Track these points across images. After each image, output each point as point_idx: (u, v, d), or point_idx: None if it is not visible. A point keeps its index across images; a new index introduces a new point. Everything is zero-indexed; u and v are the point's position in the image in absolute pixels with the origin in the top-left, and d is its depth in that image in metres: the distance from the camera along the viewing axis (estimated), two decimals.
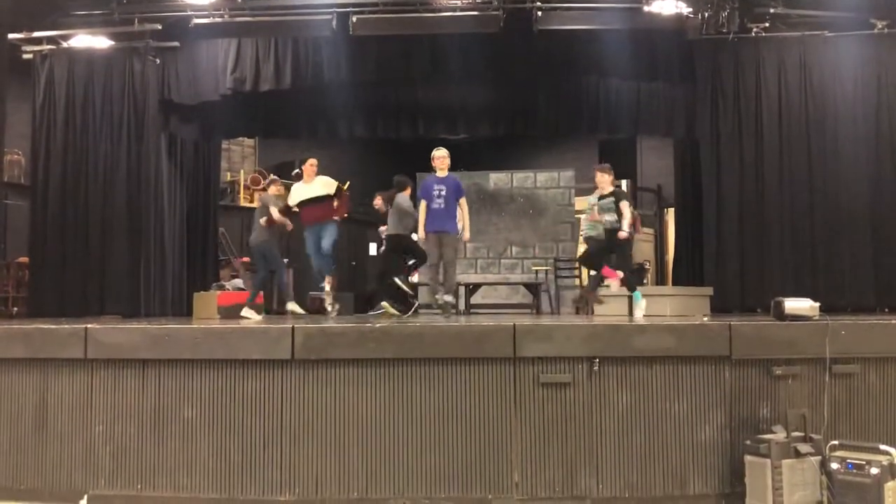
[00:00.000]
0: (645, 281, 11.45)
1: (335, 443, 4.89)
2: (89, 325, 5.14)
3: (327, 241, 7.80)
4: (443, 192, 7.14)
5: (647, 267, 11.62)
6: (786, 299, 5.34)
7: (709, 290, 8.85)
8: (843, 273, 9.00)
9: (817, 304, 5.35)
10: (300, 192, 7.88)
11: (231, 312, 8.14)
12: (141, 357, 5.02)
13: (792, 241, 9.12)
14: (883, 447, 4.62)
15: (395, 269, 8.06)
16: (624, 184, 13.17)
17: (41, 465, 5.10)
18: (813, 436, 4.79)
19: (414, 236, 7.93)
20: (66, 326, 5.21)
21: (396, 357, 4.95)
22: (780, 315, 5.29)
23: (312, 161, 8.00)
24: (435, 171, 7.33)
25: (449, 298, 7.37)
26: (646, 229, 12.66)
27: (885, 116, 9.16)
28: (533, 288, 10.29)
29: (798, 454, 4.70)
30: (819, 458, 4.72)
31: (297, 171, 8.30)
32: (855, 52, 9.25)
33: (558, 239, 11.08)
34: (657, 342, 5.00)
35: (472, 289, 10.26)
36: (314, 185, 7.86)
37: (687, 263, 10.68)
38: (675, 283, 10.91)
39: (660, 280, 12.31)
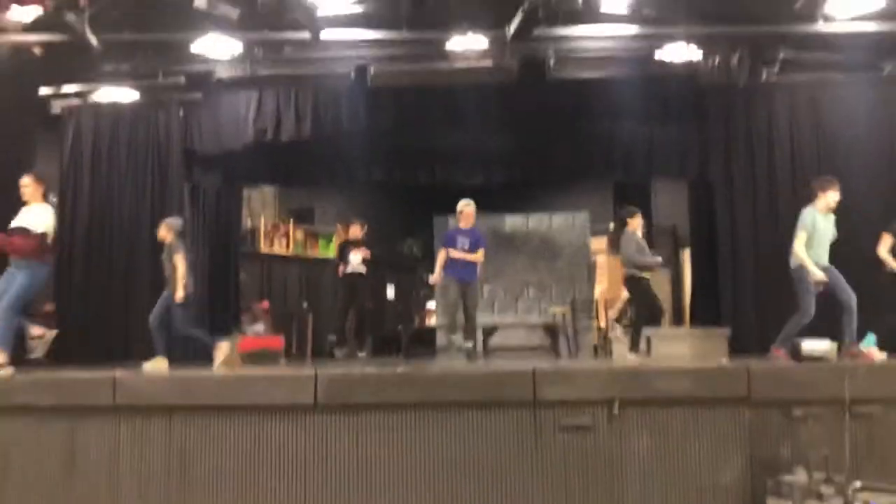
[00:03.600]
0: (662, 322, 11.43)
1: (358, 488, 4.95)
2: (117, 374, 5.26)
3: (12, 290, 6.28)
4: (466, 246, 7.38)
5: (664, 307, 11.62)
6: (802, 340, 5.38)
7: (726, 331, 8.84)
8: (862, 313, 8.95)
9: (835, 345, 5.38)
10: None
11: (253, 359, 8.25)
12: (167, 403, 5.13)
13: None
14: None
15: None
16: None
17: None
18: (835, 477, 4.79)
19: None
20: (95, 374, 5.34)
21: (418, 402, 5.03)
22: (798, 356, 5.33)
23: (24, 181, 6.69)
24: (458, 223, 7.53)
25: (470, 345, 7.50)
26: (662, 269, 12.70)
27: None
28: (550, 330, 10.34)
29: (820, 496, 4.70)
30: (842, 499, 4.71)
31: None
32: (865, 94, 9.34)
33: (575, 281, 11.15)
34: (676, 385, 5.06)
35: (490, 331, 10.32)
36: (31, 211, 6.60)
37: (703, 304, 10.67)
38: (692, 324, 10.89)
39: (677, 321, 12.30)
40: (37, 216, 6.54)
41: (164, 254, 7.82)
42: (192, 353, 9.88)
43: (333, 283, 9.62)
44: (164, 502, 5.03)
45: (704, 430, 5.01)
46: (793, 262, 6.73)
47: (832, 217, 6.90)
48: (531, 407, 5.00)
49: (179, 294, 7.52)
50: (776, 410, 5.06)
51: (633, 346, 7.74)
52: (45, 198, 6.72)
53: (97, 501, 5.12)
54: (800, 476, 4.79)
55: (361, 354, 9.56)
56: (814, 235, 6.67)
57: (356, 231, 8.84)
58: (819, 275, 6.56)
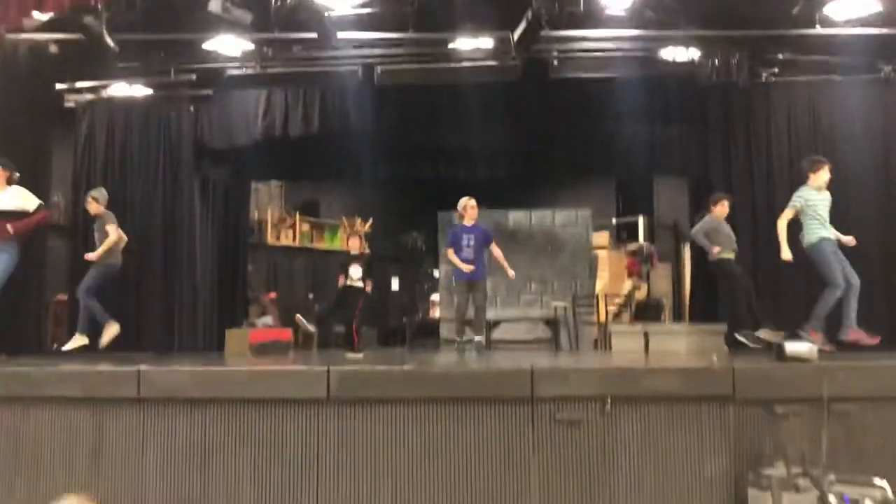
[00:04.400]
0: (662, 317, 11.88)
1: (368, 476, 5.40)
2: (142, 367, 5.71)
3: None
4: (471, 242, 7.73)
5: (664, 303, 12.07)
6: (786, 342, 5.80)
7: (723, 327, 9.25)
8: (857, 309, 9.31)
9: (816, 347, 5.81)
10: None
11: (262, 350, 8.71)
12: (189, 396, 5.58)
13: (805, 277, 9.47)
14: (877, 481, 5.05)
15: None
16: (640, 220, 13.71)
17: (95, 496, 5.62)
18: (812, 471, 5.22)
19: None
20: (120, 368, 5.79)
21: (423, 397, 5.47)
22: (781, 357, 5.75)
23: None
24: (463, 220, 7.87)
25: (478, 338, 7.89)
26: (663, 264, 13.14)
27: (894, 156, 9.57)
28: (552, 324, 10.78)
29: (797, 488, 5.13)
30: (818, 491, 5.14)
31: None
32: (863, 95, 9.69)
33: (576, 275, 11.60)
34: (665, 384, 5.49)
35: (493, 324, 10.76)
36: (8, 194, 7.19)
37: (703, 299, 11.07)
38: (691, 319, 11.30)
39: (677, 316, 12.72)
40: (27, 200, 7.17)
41: (95, 225, 8.11)
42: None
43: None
44: (186, 486, 5.47)
45: (691, 426, 5.44)
46: (805, 244, 7.16)
47: (828, 194, 7.24)
48: (529, 402, 5.43)
49: (95, 255, 7.91)
50: (759, 408, 5.48)
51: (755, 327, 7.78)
52: (10, 183, 7.23)
53: (123, 485, 5.55)
54: (779, 469, 5.21)
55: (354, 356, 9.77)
56: (810, 213, 7.11)
57: (355, 245, 9.16)
58: (786, 254, 7.11)
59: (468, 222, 8.03)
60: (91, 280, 7.91)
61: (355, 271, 8.94)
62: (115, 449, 5.64)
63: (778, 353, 5.83)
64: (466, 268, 7.72)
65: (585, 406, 5.46)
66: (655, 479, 5.43)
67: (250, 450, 5.49)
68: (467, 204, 8.10)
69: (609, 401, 5.44)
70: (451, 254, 7.90)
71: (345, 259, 9.22)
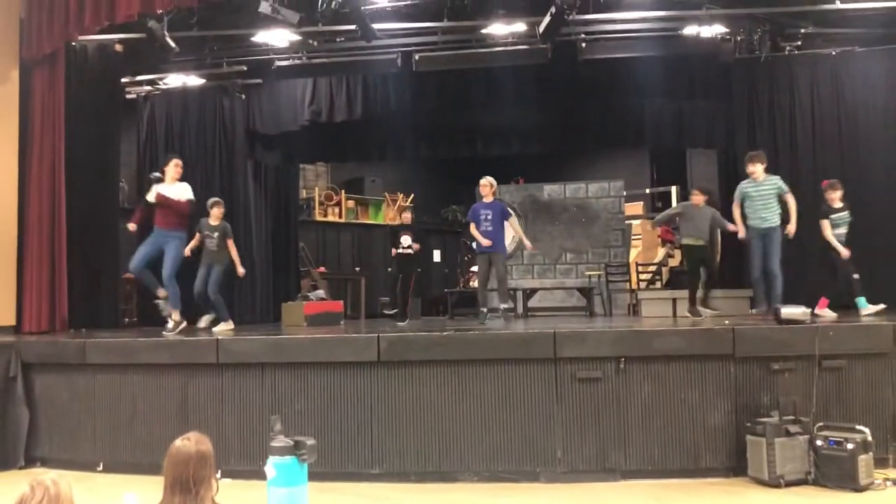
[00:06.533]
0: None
1: (414, 427, 6.47)
2: (220, 337, 6.86)
3: (170, 262, 8.12)
4: (489, 216, 8.68)
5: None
6: (782, 306, 6.68)
7: (748, 292, 10.06)
8: (878, 276, 10.00)
9: (809, 310, 6.67)
10: (162, 190, 8.17)
11: (317, 321, 9.85)
12: (260, 361, 6.71)
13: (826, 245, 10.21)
14: (859, 427, 5.93)
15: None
16: (674, 189, 14.45)
17: None
18: (802, 419, 6.13)
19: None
20: (201, 338, 6.94)
21: (461, 359, 6.50)
22: (778, 319, 6.64)
23: (178, 161, 8.27)
24: (482, 198, 8.84)
25: (505, 305, 8.86)
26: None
27: None
28: (586, 292, 11.71)
29: (789, 434, 6.03)
30: (807, 436, 6.05)
31: (156, 174, 8.37)
32: (884, 65, 10.34)
33: (609, 245, 12.50)
34: (672, 344, 6.43)
35: (530, 293, 11.75)
36: (177, 188, 8.19)
37: (732, 266, 11.87)
38: (724, 286, 12.04)
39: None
40: (186, 191, 8.25)
41: (217, 233, 8.93)
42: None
43: (384, 250, 10.83)
44: (259, 435, 6.60)
45: (696, 381, 6.36)
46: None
47: (771, 182, 8.45)
48: (553, 362, 6.42)
49: (241, 269, 9.09)
50: (757, 365, 6.37)
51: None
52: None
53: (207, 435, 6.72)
54: (773, 418, 6.12)
55: (402, 324, 10.76)
56: (746, 203, 8.38)
57: (408, 217, 10.08)
58: (742, 233, 8.40)
59: (486, 199, 8.94)
60: (216, 279, 8.92)
61: (405, 240, 9.86)
62: (199, 405, 6.80)
63: (775, 316, 6.70)
64: (485, 241, 8.62)
65: (602, 365, 6.42)
66: (665, 428, 6.38)
67: (313, 404, 6.60)
68: (481, 182, 9.04)
69: (623, 360, 6.40)
70: (472, 228, 8.84)
71: (395, 230, 10.09)
